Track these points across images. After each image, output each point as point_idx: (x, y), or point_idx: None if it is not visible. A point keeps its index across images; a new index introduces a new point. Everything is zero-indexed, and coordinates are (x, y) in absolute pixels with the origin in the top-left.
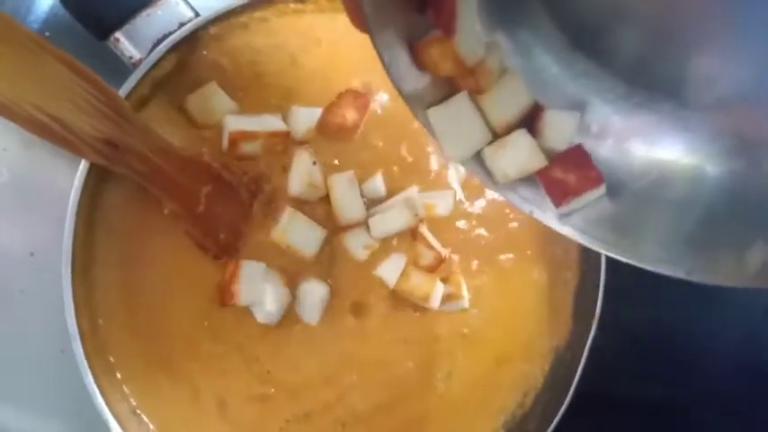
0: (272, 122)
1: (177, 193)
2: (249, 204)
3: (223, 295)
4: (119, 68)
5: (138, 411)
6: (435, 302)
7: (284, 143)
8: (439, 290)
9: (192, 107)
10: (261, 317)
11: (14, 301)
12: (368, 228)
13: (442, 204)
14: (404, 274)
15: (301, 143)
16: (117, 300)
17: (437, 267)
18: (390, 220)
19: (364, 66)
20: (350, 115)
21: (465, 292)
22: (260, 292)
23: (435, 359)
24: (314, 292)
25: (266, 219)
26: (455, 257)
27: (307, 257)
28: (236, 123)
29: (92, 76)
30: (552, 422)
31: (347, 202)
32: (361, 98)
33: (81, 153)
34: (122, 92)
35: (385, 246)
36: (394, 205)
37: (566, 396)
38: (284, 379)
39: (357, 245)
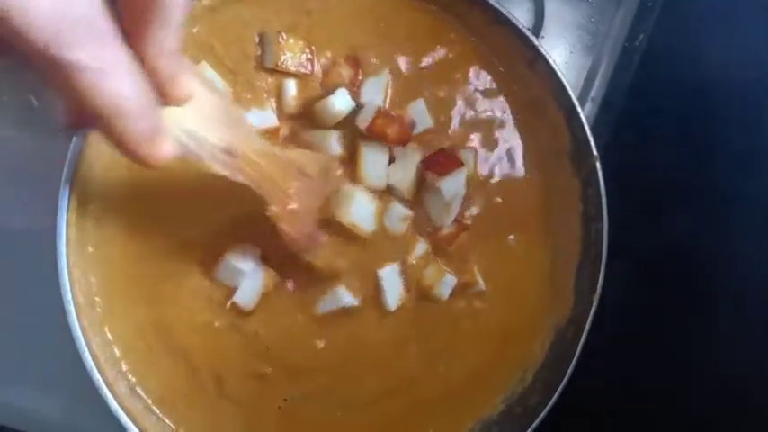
0: (262, 118)
1: (276, 193)
2: (324, 195)
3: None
4: None
5: (138, 389)
6: (443, 294)
7: (275, 138)
8: (448, 282)
9: None
10: (236, 298)
11: (13, 278)
12: (401, 200)
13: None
14: (419, 264)
15: (293, 117)
16: (114, 270)
17: (458, 236)
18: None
19: (353, 33)
20: (345, 72)
21: (479, 278)
22: (237, 277)
23: (438, 341)
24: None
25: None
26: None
27: (365, 233)
28: None
29: (212, 82)
30: (552, 397)
31: (374, 173)
32: (351, 58)
33: (207, 166)
34: None
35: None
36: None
37: (566, 372)
38: (283, 358)
39: (395, 219)
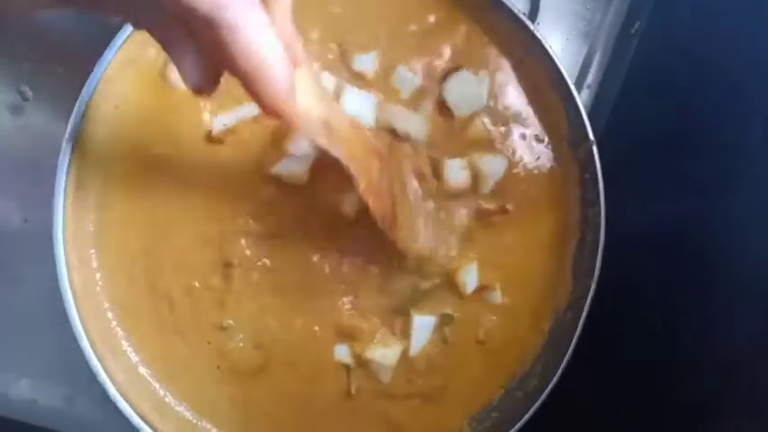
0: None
1: (363, 169)
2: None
3: None
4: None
5: (140, 367)
6: (468, 285)
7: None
8: (472, 275)
9: (174, 75)
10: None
11: (11, 269)
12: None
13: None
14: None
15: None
16: (113, 261)
17: (494, 214)
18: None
19: (344, 22)
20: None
21: (497, 287)
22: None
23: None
24: None
25: None
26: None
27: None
28: (218, 123)
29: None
30: (551, 381)
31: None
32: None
33: (314, 134)
34: (113, 49)
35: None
36: None
37: (564, 356)
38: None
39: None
